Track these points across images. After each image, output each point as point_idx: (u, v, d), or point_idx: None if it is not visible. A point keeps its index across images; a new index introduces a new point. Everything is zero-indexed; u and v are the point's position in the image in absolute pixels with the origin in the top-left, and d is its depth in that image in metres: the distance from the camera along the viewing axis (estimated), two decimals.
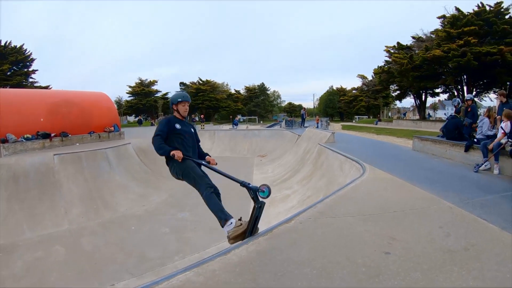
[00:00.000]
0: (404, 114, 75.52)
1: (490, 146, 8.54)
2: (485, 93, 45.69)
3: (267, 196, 3.96)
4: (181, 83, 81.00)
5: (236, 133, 27.92)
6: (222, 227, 4.03)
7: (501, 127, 8.52)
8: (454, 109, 12.61)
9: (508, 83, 39.70)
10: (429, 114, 71.00)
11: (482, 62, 35.10)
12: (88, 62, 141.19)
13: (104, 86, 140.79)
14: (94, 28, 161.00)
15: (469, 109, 11.15)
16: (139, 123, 50.73)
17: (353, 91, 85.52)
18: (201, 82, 77.49)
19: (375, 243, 3.58)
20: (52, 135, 15.83)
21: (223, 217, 3.99)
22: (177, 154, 4.16)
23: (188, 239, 9.18)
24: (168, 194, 13.05)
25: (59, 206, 10.37)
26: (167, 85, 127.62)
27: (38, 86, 47.72)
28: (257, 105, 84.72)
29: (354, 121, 67.69)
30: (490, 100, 52.32)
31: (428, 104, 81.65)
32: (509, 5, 36.83)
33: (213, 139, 26.56)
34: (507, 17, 36.73)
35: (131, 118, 75.34)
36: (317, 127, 38.45)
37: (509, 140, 8.25)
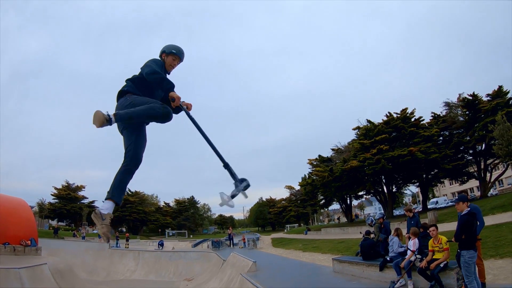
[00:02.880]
0: (339, 219, 77.63)
1: (402, 265, 8.99)
2: (404, 187, 49.85)
3: None
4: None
5: (161, 255, 26.60)
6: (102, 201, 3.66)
7: (409, 247, 9.02)
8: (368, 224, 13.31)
9: (424, 175, 44.88)
10: (356, 215, 74.06)
11: (396, 163, 39.60)
12: (14, 151, 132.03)
13: (28, 181, 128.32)
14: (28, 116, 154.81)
15: (382, 226, 11.94)
16: (55, 232, 44.99)
17: (282, 202, 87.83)
18: (129, 193, 74.58)
19: None
20: None
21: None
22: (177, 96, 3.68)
23: None
24: None
25: None
26: (95, 192, 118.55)
27: None
28: (186, 218, 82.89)
29: (285, 231, 68.22)
30: (410, 191, 57.54)
31: (356, 203, 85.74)
32: (413, 109, 42.79)
33: (138, 260, 24.75)
34: (412, 119, 42.71)
35: (54, 222, 69.24)
36: (244, 246, 38.02)
37: (417, 256, 8.66)
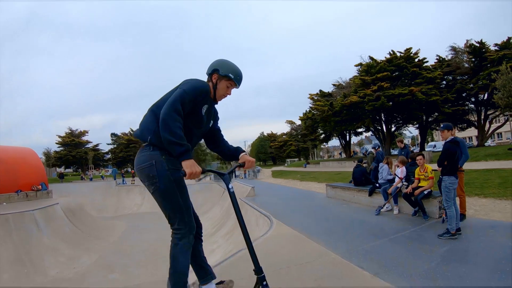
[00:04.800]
0: (340, 154, 78.40)
1: (389, 190, 9.62)
2: (404, 127, 50.08)
3: None
4: (112, 134, 78.88)
5: None
6: None
7: (397, 173, 9.61)
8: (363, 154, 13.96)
9: (424, 117, 44.96)
10: (355, 151, 74.95)
11: (396, 102, 39.68)
12: (14, 109, 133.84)
13: (32, 135, 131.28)
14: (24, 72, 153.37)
15: (375, 156, 12.42)
16: (61, 178, 47.55)
17: (283, 136, 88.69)
18: (132, 132, 75.38)
19: None
20: None
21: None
22: (194, 168, 2.60)
23: None
24: (99, 255, 12.72)
25: None
26: (98, 136, 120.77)
27: None
28: None
29: (286, 164, 69.55)
30: (410, 132, 57.89)
31: (356, 141, 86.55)
32: (418, 50, 41.76)
33: (144, 194, 26.01)
34: (416, 60, 41.75)
35: (61, 170, 71.24)
36: (244, 177, 39.23)
37: (404, 184, 9.29)
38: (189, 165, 2.57)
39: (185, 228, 2.87)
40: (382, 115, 45.94)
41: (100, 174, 55.15)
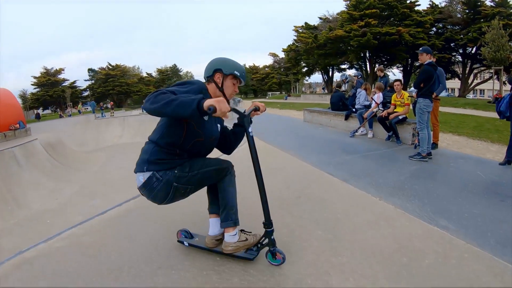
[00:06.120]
0: (323, 88, 77.92)
1: (365, 115, 9.56)
2: (388, 68, 49.68)
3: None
4: (90, 70, 75.49)
5: (145, 118, 27.47)
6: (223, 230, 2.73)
7: (373, 98, 9.53)
8: (342, 83, 13.78)
9: (409, 60, 44.05)
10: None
11: (382, 41, 38.66)
12: None
13: (7, 81, 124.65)
14: None
15: (354, 83, 12.26)
16: (37, 117, 45.45)
17: (265, 69, 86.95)
18: (110, 67, 72.60)
19: None
20: None
21: (234, 218, 2.67)
22: (224, 105, 2.08)
23: None
24: (80, 185, 12.77)
25: None
26: (75, 73, 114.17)
27: None
28: (170, 87, 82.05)
29: (267, 97, 69.19)
30: (393, 74, 57.67)
31: (339, 78, 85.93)
32: None
33: (123, 125, 25.77)
34: (408, 1, 40.29)
35: (40, 112, 68.93)
36: None
37: (380, 109, 9.26)
38: (216, 101, 2.07)
39: (224, 170, 2.70)
40: (367, 53, 44.93)
41: (78, 109, 53.53)
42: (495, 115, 7.06)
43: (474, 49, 37.96)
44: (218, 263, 2.67)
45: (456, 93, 52.58)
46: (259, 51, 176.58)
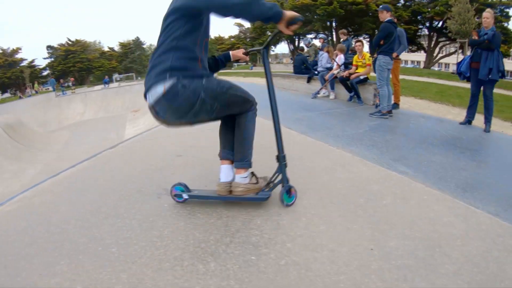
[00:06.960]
0: (292, 58, 77.62)
1: (326, 77, 9.37)
2: (354, 38, 49.67)
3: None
4: (48, 47, 70.79)
5: (107, 92, 26.58)
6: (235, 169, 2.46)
7: (335, 60, 9.36)
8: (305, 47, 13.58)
9: (376, 31, 43.97)
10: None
11: (349, 10, 38.67)
12: None
13: None
14: None
15: (317, 48, 12.08)
16: None
17: (231, 39, 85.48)
18: (70, 42, 68.01)
19: None
20: None
21: (249, 160, 2.45)
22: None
23: None
24: (43, 164, 12.29)
25: None
26: (33, 52, 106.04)
27: None
28: (133, 61, 78.31)
29: (232, 68, 68.33)
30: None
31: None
32: None
33: (85, 101, 24.95)
34: None
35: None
36: None
37: (341, 70, 9.10)
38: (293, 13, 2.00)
39: (250, 102, 2.55)
40: (334, 22, 44.80)
41: (34, 90, 50.25)
42: (457, 83, 7.09)
43: (441, 23, 38.69)
44: (165, 209, 2.45)
45: (422, 66, 53.72)
46: (224, 21, 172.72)
